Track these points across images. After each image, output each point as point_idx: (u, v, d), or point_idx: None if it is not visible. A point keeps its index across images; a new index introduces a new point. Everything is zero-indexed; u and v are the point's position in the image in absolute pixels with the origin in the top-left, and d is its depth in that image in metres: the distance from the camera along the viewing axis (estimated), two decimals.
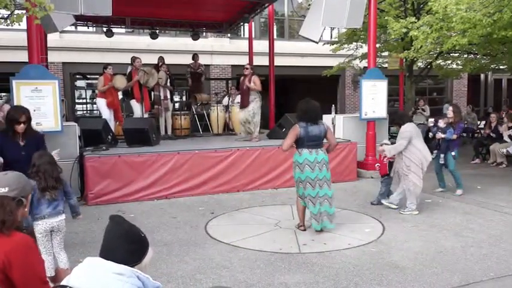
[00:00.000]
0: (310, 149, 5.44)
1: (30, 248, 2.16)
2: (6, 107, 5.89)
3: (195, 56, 12.14)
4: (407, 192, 6.54)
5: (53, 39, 12.45)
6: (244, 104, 9.18)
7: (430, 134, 8.17)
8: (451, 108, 7.92)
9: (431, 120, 8.19)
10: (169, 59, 11.38)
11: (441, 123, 7.81)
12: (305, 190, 5.47)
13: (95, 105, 16.11)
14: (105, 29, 13.58)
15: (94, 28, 15.01)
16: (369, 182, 8.89)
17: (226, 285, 3.99)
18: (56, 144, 7.54)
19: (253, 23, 14.80)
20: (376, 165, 7.62)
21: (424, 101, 13.80)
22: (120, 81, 9.80)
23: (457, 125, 7.69)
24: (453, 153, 7.68)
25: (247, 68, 9.18)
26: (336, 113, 11.02)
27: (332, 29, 17.67)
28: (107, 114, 9.63)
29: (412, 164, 6.48)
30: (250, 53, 14.25)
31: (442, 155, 7.69)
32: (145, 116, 9.93)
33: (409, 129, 6.55)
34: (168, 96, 10.47)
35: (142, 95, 9.93)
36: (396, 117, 7.03)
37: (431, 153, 7.25)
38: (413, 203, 6.53)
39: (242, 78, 9.20)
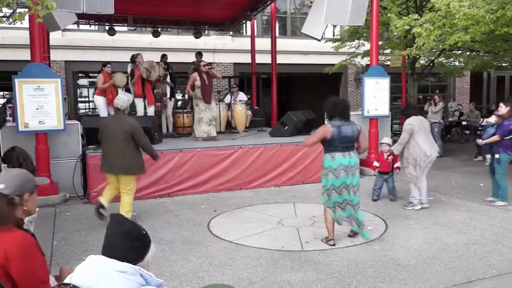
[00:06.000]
0: (343, 152, 4.96)
1: (30, 247, 2.15)
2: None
3: (199, 54, 12.16)
4: (411, 186, 6.59)
5: (55, 37, 12.47)
6: (209, 101, 9.01)
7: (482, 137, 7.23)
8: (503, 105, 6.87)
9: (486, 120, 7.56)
10: (171, 57, 11.38)
11: (491, 120, 7.00)
12: (340, 196, 5.01)
13: None
14: (107, 27, 13.62)
15: (96, 26, 15.01)
16: (371, 180, 8.84)
17: (228, 284, 3.98)
18: (58, 142, 7.61)
19: (255, 21, 14.79)
20: (375, 163, 7.40)
21: (439, 97, 13.50)
22: (121, 79, 9.79)
23: (501, 124, 6.74)
24: (496, 156, 6.73)
25: (207, 64, 9.15)
26: None
27: (334, 26, 17.62)
28: (105, 112, 9.61)
29: (410, 157, 6.55)
30: (253, 51, 14.24)
31: (488, 157, 6.89)
32: (150, 110, 9.88)
33: (410, 123, 6.55)
34: (168, 94, 10.46)
35: (145, 90, 9.87)
36: (404, 109, 7.12)
37: (481, 155, 7.13)
38: (414, 198, 6.58)
39: (200, 74, 8.94)
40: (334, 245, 5.09)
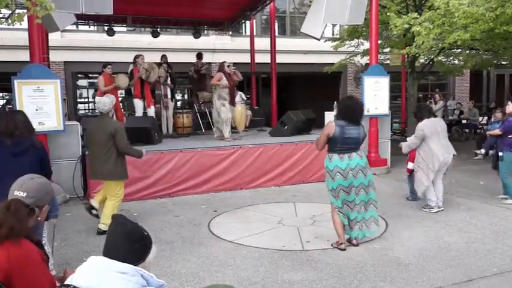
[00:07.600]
0: (341, 154, 4.80)
1: (35, 261, 2.09)
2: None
3: (199, 55, 12.17)
4: (426, 188, 6.44)
5: (54, 38, 12.44)
6: (233, 102, 9.25)
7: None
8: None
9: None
10: (171, 57, 11.37)
11: (497, 115, 7.07)
12: (338, 198, 4.88)
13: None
14: (106, 28, 13.60)
15: (95, 27, 14.99)
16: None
17: (229, 284, 3.98)
18: (58, 143, 7.61)
19: (254, 21, 14.79)
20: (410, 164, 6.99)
21: (439, 96, 13.34)
22: (122, 80, 9.78)
23: (507, 119, 6.79)
24: (500, 154, 6.74)
25: (229, 65, 9.27)
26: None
27: (334, 25, 17.62)
28: None
29: (423, 162, 6.33)
30: (252, 51, 14.24)
31: (482, 151, 6.93)
32: (150, 110, 9.84)
33: (421, 128, 6.32)
34: (169, 95, 10.45)
35: (144, 91, 9.86)
36: (417, 112, 6.80)
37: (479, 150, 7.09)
38: (432, 200, 6.44)
39: (223, 75, 9.02)
40: (345, 249, 4.91)
